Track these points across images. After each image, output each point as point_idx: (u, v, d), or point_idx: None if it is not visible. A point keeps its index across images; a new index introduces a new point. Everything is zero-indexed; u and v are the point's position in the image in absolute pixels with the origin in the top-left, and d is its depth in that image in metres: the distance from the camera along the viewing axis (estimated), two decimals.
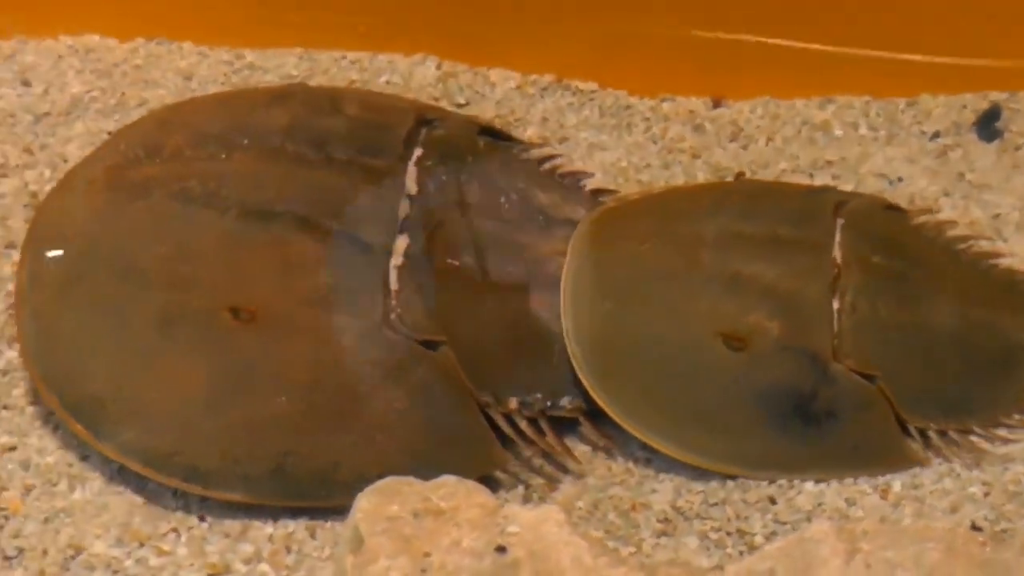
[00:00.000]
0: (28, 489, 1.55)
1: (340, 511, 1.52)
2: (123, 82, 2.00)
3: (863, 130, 2.00)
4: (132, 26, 2.06)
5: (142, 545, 1.51)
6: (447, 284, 1.63)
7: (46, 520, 1.53)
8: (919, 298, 1.69)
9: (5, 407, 1.63)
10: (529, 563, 1.32)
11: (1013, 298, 1.74)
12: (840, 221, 1.72)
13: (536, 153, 1.80)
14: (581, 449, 1.64)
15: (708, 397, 1.61)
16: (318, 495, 1.54)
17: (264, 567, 1.50)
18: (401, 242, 1.64)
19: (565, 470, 1.61)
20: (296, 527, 1.54)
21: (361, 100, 1.79)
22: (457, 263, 1.65)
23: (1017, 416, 1.68)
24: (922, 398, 1.65)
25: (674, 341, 1.63)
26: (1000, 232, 1.86)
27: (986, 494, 1.60)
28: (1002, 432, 1.67)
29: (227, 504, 1.54)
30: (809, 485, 1.60)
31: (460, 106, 2.00)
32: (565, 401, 1.63)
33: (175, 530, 1.53)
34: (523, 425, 1.61)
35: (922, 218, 1.80)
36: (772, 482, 1.60)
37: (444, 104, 1.99)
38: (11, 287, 1.68)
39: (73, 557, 1.49)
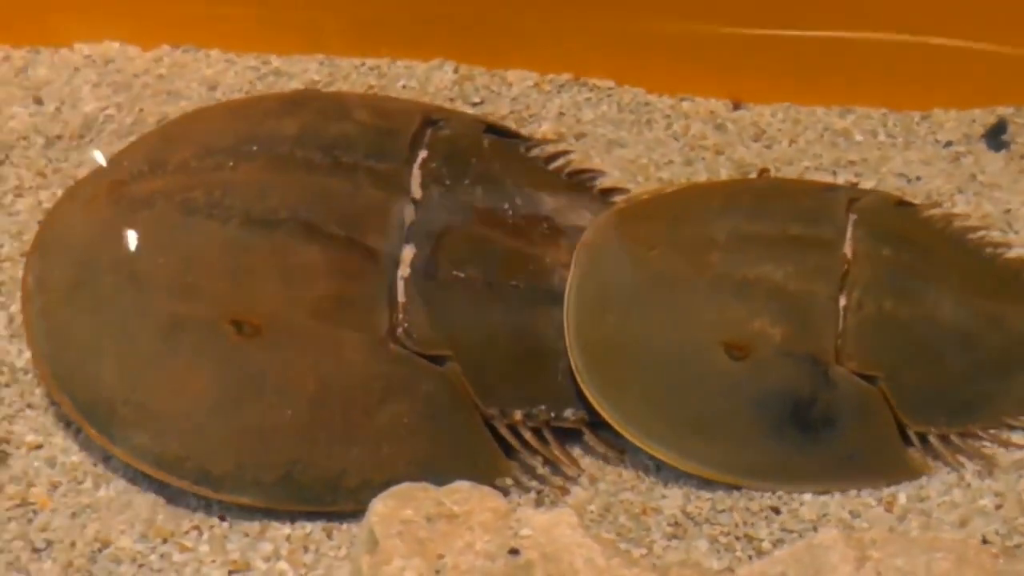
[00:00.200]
0: (55, 486, 1.58)
1: (350, 515, 1.55)
2: (144, 95, 1.99)
3: (882, 137, 2.02)
4: (157, 33, 2.04)
5: (165, 541, 1.53)
6: (453, 295, 1.63)
7: (73, 515, 1.55)
8: (927, 294, 1.67)
9: (30, 406, 1.65)
10: (542, 565, 1.33)
11: (1022, 291, 1.73)
12: (852, 217, 1.71)
13: (544, 151, 1.78)
14: (590, 458, 1.64)
15: (709, 407, 1.61)
16: (325, 501, 1.55)
17: (283, 565, 1.52)
18: (408, 252, 1.63)
19: (569, 479, 1.61)
20: (313, 528, 1.56)
21: (368, 104, 1.77)
22: (463, 274, 1.64)
23: (1022, 418, 1.66)
24: (924, 399, 1.64)
25: (675, 351, 1.62)
26: (1011, 225, 1.88)
27: (998, 506, 1.58)
28: (1012, 436, 1.65)
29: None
30: (811, 496, 1.60)
31: (475, 104, 1.99)
32: (569, 412, 1.64)
33: (197, 528, 1.55)
34: (528, 436, 1.61)
35: (932, 211, 1.79)
36: (774, 493, 1.60)
37: (459, 104, 1.99)
38: None
39: (100, 550, 1.52)
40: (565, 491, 1.60)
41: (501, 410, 1.61)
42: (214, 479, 1.54)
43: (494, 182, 1.71)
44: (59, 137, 1.94)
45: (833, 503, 1.60)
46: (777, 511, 1.59)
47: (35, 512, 1.55)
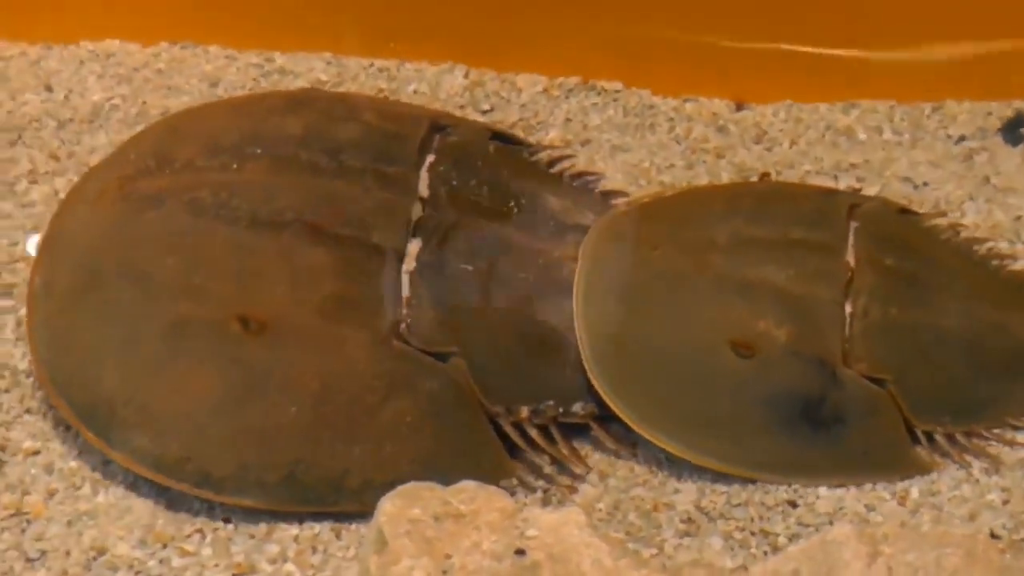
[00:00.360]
0: (51, 493, 1.56)
1: (358, 515, 1.54)
2: (145, 88, 2.00)
3: (887, 134, 2.00)
4: (156, 30, 2.07)
5: (165, 546, 1.52)
6: (459, 291, 1.63)
7: (69, 523, 1.53)
8: (931, 301, 1.68)
9: (28, 411, 1.64)
10: (549, 566, 1.32)
11: None
12: (854, 224, 1.72)
13: (546, 155, 1.79)
14: (600, 454, 1.63)
15: (719, 402, 1.61)
16: (328, 502, 1.55)
17: (290, 567, 1.51)
18: (413, 246, 1.63)
19: (576, 477, 1.60)
20: (321, 528, 1.55)
21: (375, 107, 1.78)
22: (469, 269, 1.64)
23: None
24: (932, 401, 1.65)
25: (685, 347, 1.62)
26: (1020, 235, 1.86)
27: (1005, 501, 1.59)
28: (1016, 436, 1.66)
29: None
30: (827, 490, 1.60)
31: (485, 112, 2.00)
32: (577, 407, 1.63)
33: (200, 531, 1.54)
34: (534, 434, 1.60)
35: (936, 220, 1.79)
36: (790, 486, 1.60)
37: (469, 111, 2.00)
38: None
39: (96, 558, 1.50)
40: (573, 489, 1.59)
41: (507, 407, 1.60)
42: (216, 481, 1.53)
43: (500, 183, 1.72)
44: (70, 120, 1.95)
45: (849, 497, 1.60)
46: (794, 504, 1.59)
47: (28, 521, 1.54)
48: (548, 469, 1.61)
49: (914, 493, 1.61)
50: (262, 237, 1.61)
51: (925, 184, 1.92)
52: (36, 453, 1.60)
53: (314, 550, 1.53)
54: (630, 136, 1.99)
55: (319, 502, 1.54)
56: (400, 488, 1.38)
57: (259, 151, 1.68)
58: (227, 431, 1.54)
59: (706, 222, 1.71)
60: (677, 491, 1.60)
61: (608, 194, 1.79)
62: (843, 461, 1.61)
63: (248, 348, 1.56)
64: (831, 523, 1.56)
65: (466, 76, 2.05)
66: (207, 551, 1.52)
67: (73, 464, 1.59)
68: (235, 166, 1.67)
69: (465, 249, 1.65)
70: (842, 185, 1.91)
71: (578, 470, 1.61)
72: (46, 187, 1.85)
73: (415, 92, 2.02)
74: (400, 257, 1.62)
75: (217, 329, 1.57)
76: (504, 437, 1.60)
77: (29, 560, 1.50)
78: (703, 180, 1.92)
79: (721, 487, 1.60)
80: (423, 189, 1.68)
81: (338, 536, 1.54)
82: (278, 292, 1.59)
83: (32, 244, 1.77)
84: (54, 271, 1.63)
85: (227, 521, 1.55)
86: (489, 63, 2.05)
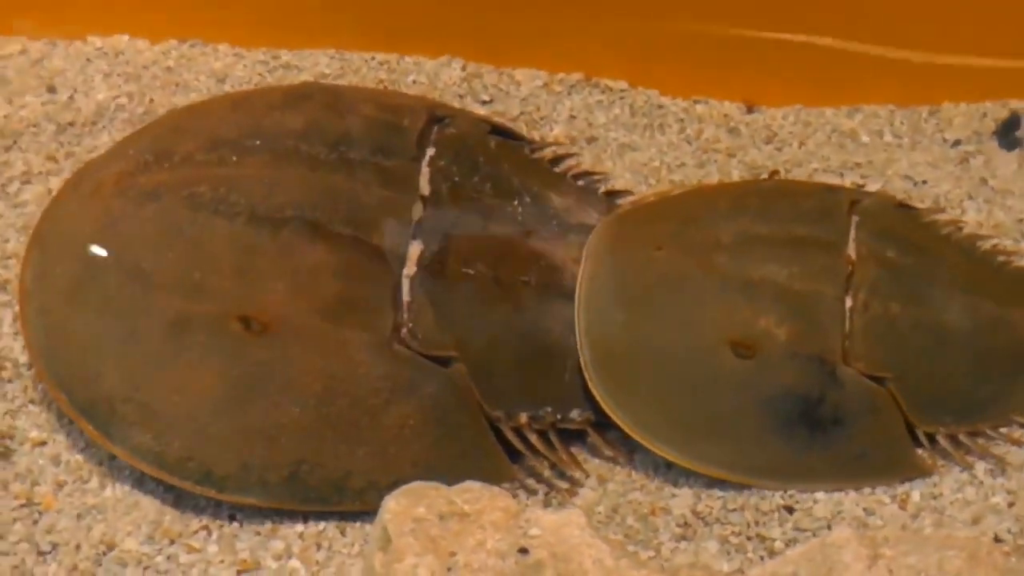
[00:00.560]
0: (60, 485, 1.57)
1: (362, 512, 1.55)
2: (153, 85, 1.99)
3: (888, 137, 2.01)
4: (165, 27, 2.05)
5: (172, 542, 1.52)
6: (459, 295, 1.62)
7: (79, 516, 1.54)
8: (933, 296, 1.68)
9: (32, 401, 1.64)
10: (551, 564, 1.33)
11: None
12: (855, 219, 1.71)
13: (550, 152, 1.78)
14: (598, 460, 1.64)
15: (718, 407, 1.61)
16: (330, 502, 1.55)
17: (295, 563, 1.52)
18: (414, 249, 1.63)
19: (575, 482, 1.61)
20: (326, 525, 1.55)
21: (373, 99, 1.77)
22: (470, 272, 1.63)
23: None
24: (933, 400, 1.64)
25: (684, 351, 1.62)
26: None
27: (1011, 504, 1.58)
28: (1022, 435, 1.65)
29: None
30: (824, 495, 1.60)
31: (485, 103, 2.00)
32: (575, 413, 1.63)
33: (206, 528, 1.54)
34: (533, 439, 1.60)
35: (934, 216, 1.79)
36: (786, 492, 1.60)
37: (468, 101, 1.99)
38: None
39: (105, 553, 1.51)
40: (573, 492, 1.60)
41: (507, 412, 1.61)
42: (218, 479, 1.53)
43: (502, 181, 1.71)
44: (71, 124, 1.94)
45: (847, 501, 1.60)
46: (790, 510, 1.59)
47: (40, 513, 1.54)
48: (547, 473, 1.61)
49: (915, 496, 1.60)
50: (262, 233, 1.61)
51: (924, 182, 1.93)
52: (43, 444, 1.60)
53: (319, 547, 1.54)
54: (638, 135, 1.98)
55: (322, 502, 1.55)
56: (406, 487, 1.39)
57: (258, 144, 1.67)
58: (229, 430, 1.54)
59: (710, 221, 1.70)
60: (674, 496, 1.60)
61: (613, 193, 1.78)
62: (841, 464, 1.61)
63: (250, 346, 1.56)
64: (829, 528, 1.56)
65: (463, 69, 2.04)
66: (213, 547, 1.53)
67: (80, 456, 1.59)
68: (234, 160, 1.65)
69: (466, 253, 1.64)
70: (847, 182, 1.92)
71: (577, 475, 1.61)
72: (40, 187, 1.84)
73: (414, 82, 2.02)
74: (401, 261, 1.62)
75: (218, 326, 1.56)
76: (504, 442, 1.60)
77: (41, 553, 1.51)
78: (714, 178, 1.93)
79: (717, 492, 1.60)
80: (424, 186, 1.67)
81: (343, 533, 1.55)
82: (279, 290, 1.58)
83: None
84: (47, 265, 1.62)
85: (232, 518, 1.55)
86: (486, 57, 2.04)
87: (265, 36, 2.05)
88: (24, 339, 1.62)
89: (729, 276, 1.65)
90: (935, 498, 1.60)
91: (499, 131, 1.78)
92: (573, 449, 1.63)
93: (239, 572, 1.51)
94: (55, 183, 1.83)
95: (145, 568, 1.50)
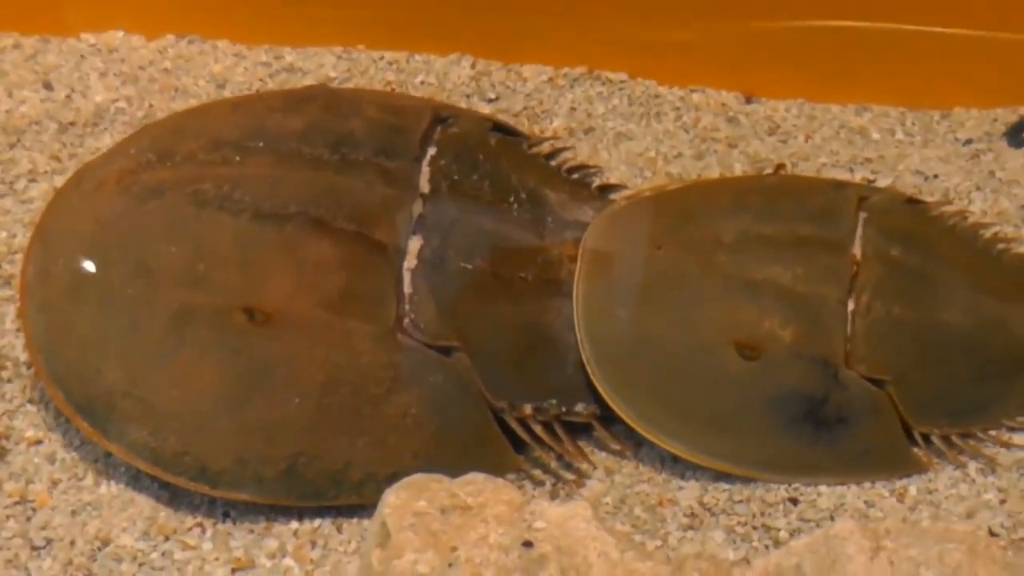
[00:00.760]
0: (55, 483, 1.56)
1: (360, 508, 1.54)
2: (151, 89, 1.98)
3: (899, 135, 2.01)
4: (161, 22, 2.03)
5: (167, 539, 1.52)
6: (461, 287, 1.62)
7: (73, 513, 1.53)
8: (935, 296, 1.68)
9: (30, 401, 1.63)
10: (556, 558, 1.32)
11: None
12: (863, 215, 1.71)
13: (548, 146, 1.78)
14: (605, 452, 1.63)
15: (721, 403, 1.61)
16: (327, 496, 1.54)
17: (289, 562, 1.51)
18: (414, 243, 1.63)
19: (580, 474, 1.60)
20: (322, 522, 1.54)
21: (378, 102, 1.77)
22: (471, 266, 1.64)
23: (1021, 419, 1.68)
24: (930, 402, 1.65)
25: (687, 350, 1.62)
26: None
27: (1002, 501, 1.60)
28: (1012, 437, 1.66)
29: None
30: (828, 488, 1.61)
31: (491, 101, 2.00)
32: (580, 407, 1.63)
33: (200, 525, 1.53)
34: (538, 430, 1.60)
35: (943, 209, 1.79)
36: (791, 485, 1.60)
37: (475, 100, 1.99)
38: None
39: (100, 549, 1.50)
40: (580, 484, 1.59)
41: (510, 403, 1.60)
42: (213, 475, 1.53)
43: (501, 178, 1.71)
44: (72, 124, 1.93)
45: (849, 494, 1.61)
46: (795, 501, 1.59)
47: (34, 510, 1.53)
48: (554, 464, 1.61)
49: (912, 491, 1.62)
50: (265, 229, 1.61)
51: (935, 176, 1.94)
52: (39, 443, 1.59)
53: (313, 544, 1.53)
54: (635, 124, 1.98)
55: (317, 496, 1.54)
56: (406, 480, 1.37)
57: (261, 145, 1.67)
58: (228, 424, 1.53)
59: (712, 219, 1.70)
60: (680, 488, 1.60)
61: (607, 188, 1.78)
62: (844, 460, 1.62)
63: (250, 340, 1.56)
64: (832, 519, 1.57)
65: (473, 67, 2.04)
66: (207, 545, 1.52)
67: (75, 454, 1.58)
68: (238, 159, 1.65)
69: (465, 247, 1.64)
70: (857, 177, 1.91)
71: (584, 467, 1.61)
72: (45, 185, 1.84)
73: (423, 83, 2.02)
74: (402, 254, 1.62)
75: (218, 320, 1.56)
76: (508, 432, 1.59)
77: (35, 548, 1.50)
78: (714, 171, 1.92)
79: (723, 484, 1.61)
80: (424, 185, 1.67)
81: (339, 530, 1.54)
82: (281, 284, 1.58)
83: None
84: (49, 260, 1.62)
85: (226, 515, 1.55)
86: (496, 54, 2.04)
87: (267, 32, 2.03)
88: (24, 335, 1.62)
89: (732, 276, 1.65)
90: (931, 492, 1.62)
91: (501, 128, 1.78)
92: (579, 442, 1.63)
93: (233, 570, 1.50)
94: (60, 182, 1.82)
95: (141, 564, 1.49)
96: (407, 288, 1.60)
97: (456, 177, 1.69)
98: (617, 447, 1.62)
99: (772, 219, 1.70)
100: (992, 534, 1.54)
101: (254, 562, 1.51)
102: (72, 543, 1.50)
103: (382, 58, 2.05)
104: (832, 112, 2.03)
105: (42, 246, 1.63)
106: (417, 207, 1.65)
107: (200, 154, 1.66)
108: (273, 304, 1.57)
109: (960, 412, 1.66)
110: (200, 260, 1.59)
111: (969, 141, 2.00)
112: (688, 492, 1.60)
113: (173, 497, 1.55)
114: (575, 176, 1.77)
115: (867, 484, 1.62)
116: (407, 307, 1.59)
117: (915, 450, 1.64)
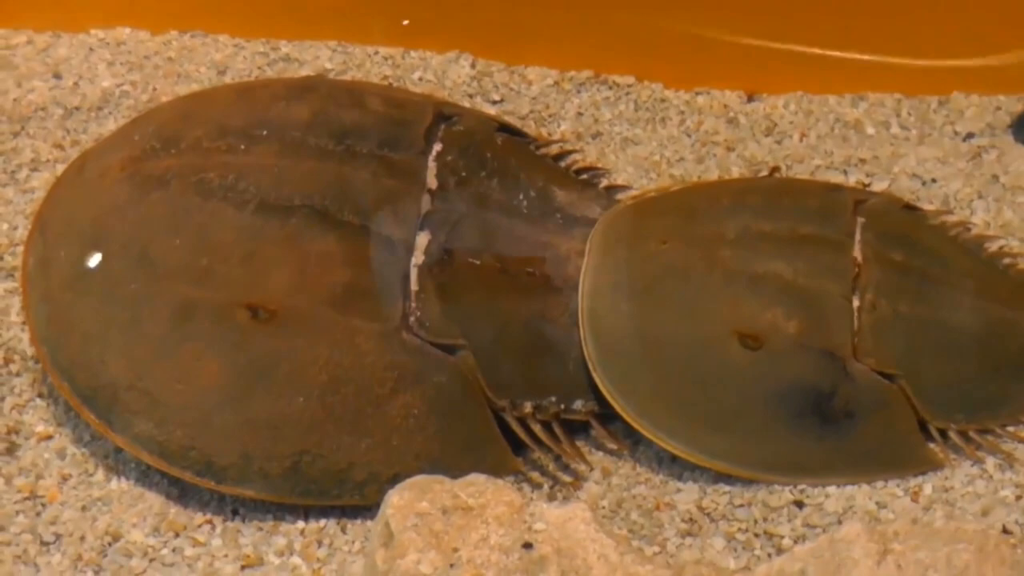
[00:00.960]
0: (65, 478, 1.57)
1: (364, 509, 1.54)
2: (155, 75, 2.00)
3: (895, 129, 1.98)
4: (166, 18, 2.07)
5: (177, 535, 1.52)
6: (467, 284, 1.62)
7: (83, 508, 1.54)
8: (939, 297, 1.67)
9: (40, 395, 1.64)
10: (556, 559, 1.32)
11: None
12: (860, 220, 1.70)
13: (555, 148, 1.78)
14: (602, 452, 1.63)
15: (725, 399, 1.60)
16: (331, 495, 1.54)
17: (296, 559, 1.51)
18: (422, 239, 1.62)
19: (579, 475, 1.60)
20: (327, 522, 1.55)
21: (380, 94, 1.77)
22: (477, 262, 1.63)
23: None
24: (943, 397, 1.64)
25: (690, 343, 1.61)
26: None
27: (1018, 497, 1.58)
28: None
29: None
30: (836, 488, 1.59)
31: (495, 102, 2.00)
32: (579, 404, 1.63)
33: (210, 522, 1.54)
34: (537, 430, 1.60)
35: (941, 218, 1.78)
36: (796, 486, 1.59)
37: (479, 100, 1.99)
38: None
39: (110, 544, 1.51)
40: (577, 486, 1.59)
41: (511, 402, 1.60)
42: (218, 470, 1.53)
43: (508, 176, 1.71)
44: (77, 108, 1.94)
45: (860, 494, 1.59)
46: (800, 505, 1.58)
47: (44, 505, 1.54)
48: (552, 466, 1.61)
49: (927, 489, 1.60)
50: (271, 221, 1.60)
51: (933, 181, 1.91)
52: (49, 438, 1.60)
53: (319, 543, 1.53)
54: (641, 129, 1.98)
55: (321, 495, 1.54)
56: (409, 481, 1.38)
57: (266, 134, 1.66)
58: (232, 420, 1.53)
59: (714, 217, 1.70)
60: (679, 490, 1.59)
61: (613, 188, 1.79)
62: (854, 457, 1.60)
63: (256, 335, 1.55)
64: (839, 523, 1.55)
65: (473, 66, 2.04)
66: (217, 541, 1.52)
67: (85, 450, 1.59)
68: (243, 148, 1.65)
69: (473, 244, 1.64)
70: (852, 180, 1.90)
71: (581, 468, 1.61)
72: (48, 174, 1.85)
73: (421, 79, 2.02)
74: (409, 250, 1.61)
75: (222, 316, 1.56)
76: (507, 434, 1.59)
77: (44, 543, 1.51)
78: (713, 174, 1.92)
79: (724, 487, 1.59)
80: (431, 180, 1.67)
81: (344, 530, 1.55)
82: (286, 279, 1.58)
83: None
84: (50, 251, 1.62)
85: (235, 513, 1.55)
86: (497, 55, 2.04)
87: (265, 28, 2.05)
88: (27, 326, 1.62)
89: (735, 270, 1.64)
90: (946, 491, 1.60)
91: (505, 129, 1.78)
92: (577, 442, 1.62)
93: (243, 567, 1.51)
94: (62, 170, 1.81)
95: (151, 560, 1.50)
96: (413, 285, 1.60)
97: (464, 173, 1.68)
98: (614, 446, 1.62)
99: (773, 217, 1.69)
100: (1005, 531, 1.53)
101: (263, 559, 1.51)
102: (82, 538, 1.51)
103: (377, 53, 2.05)
104: (829, 104, 2.02)
105: (42, 236, 1.63)
106: (425, 203, 1.65)
107: (205, 141, 1.65)
108: (277, 300, 1.57)
109: (976, 407, 1.65)
110: (204, 254, 1.58)
111: (970, 135, 1.96)
112: (686, 495, 1.59)
113: (183, 494, 1.56)
114: (584, 176, 1.78)
115: (879, 483, 1.60)
116: (413, 304, 1.59)
117: (931, 446, 1.63)
